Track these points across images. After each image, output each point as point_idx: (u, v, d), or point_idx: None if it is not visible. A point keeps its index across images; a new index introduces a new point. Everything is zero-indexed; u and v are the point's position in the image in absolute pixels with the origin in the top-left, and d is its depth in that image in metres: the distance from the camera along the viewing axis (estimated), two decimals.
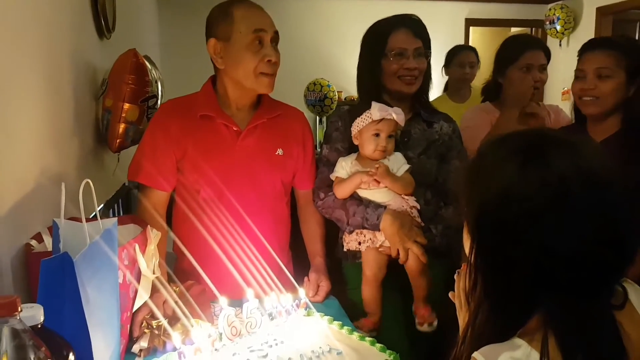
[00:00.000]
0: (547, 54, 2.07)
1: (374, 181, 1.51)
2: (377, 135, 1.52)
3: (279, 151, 1.57)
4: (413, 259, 1.50)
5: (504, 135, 0.77)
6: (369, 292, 1.54)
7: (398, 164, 1.55)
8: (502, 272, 0.71)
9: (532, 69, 2.01)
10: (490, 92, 2.18)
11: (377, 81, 1.63)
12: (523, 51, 2.02)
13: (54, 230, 1.00)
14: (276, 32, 1.48)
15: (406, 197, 1.55)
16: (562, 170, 0.67)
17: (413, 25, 1.62)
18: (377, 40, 1.62)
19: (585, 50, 1.66)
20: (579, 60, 1.67)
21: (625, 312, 0.72)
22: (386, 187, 1.52)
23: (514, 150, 0.72)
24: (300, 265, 1.70)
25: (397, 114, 1.51)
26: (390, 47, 1.59)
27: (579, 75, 1.64)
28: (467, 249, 0.78)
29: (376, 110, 1.51)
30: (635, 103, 1.57)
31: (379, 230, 1.50)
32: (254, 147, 1.53)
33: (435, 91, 2.16)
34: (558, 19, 5.55)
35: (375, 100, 1.56)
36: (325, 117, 5.06)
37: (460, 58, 3.39)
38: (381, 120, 1.50)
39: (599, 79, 1.58)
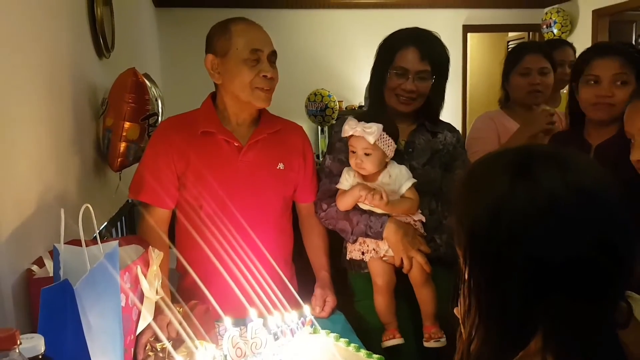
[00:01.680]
0: (549, 57, 2.09)
1: (371, 200, 1.49)
2: (354, 152, 1.51)
3: (280, 165, 1.57)
4: (417, 268, 1.49)
5: (492, 153, 0.77)
6: (382, 301, 1.52)
7: (402, 179, 1.53)
8: (496, 293, 0.69)
9: (532, 72, 2.05)
10: (502, 101, 2.22)
11: (380, 94, 1.63)
12: (522, 56, 2.07)
13: (54, 255, 0.99)
14: (274, 52, 1.49)
15: None
16: (550, 186, 0.66)
17: (423, 46, 1.57)
18: (386, 54, 1.62)
19: (595, 55, 1.62)
20: (588, 66, 1.62)
21: (630, 330, 0.70)
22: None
23: (502, 168, 0.71)
24: (303, 278, 1.69)
25: (368, 132, 1.45)
26: (395, 64, 1.58)
27: (592, 80, 1.59)
28: (461, 271, 0.76)
29: (346, 126, 1.50)
30: None
31: (382, 238, 1.49)
32: (255, 162, 1.53)
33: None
34: (555, 22, 5.57)
35: (379, 113, 1.55)
36: (326, 127, 5.07)
37: (555, 56, 2.58)
38: (351, 136, 1.49)
39: (616, 86, 1.56)
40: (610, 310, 0.68)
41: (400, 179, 1.53)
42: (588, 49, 1.69)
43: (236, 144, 1.51)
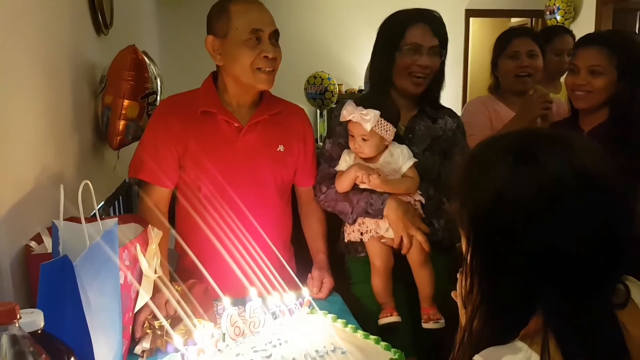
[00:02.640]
0: (537, 41, 2.11)
1: (367, 180, 1.48)
2: (352, 136, 1.51)
3: (280, 147, 1.56)
4: (416, 248, 1.49)
5: (495, 136, 0.77)
6: (380, 282, 1.53)
7: (403, 159, 1.53)
8: (499, 274, 0.70)
9: (520, 55, 2.07)
10: (492, 88, 2.24)
11: (387, 74, 1.60)
12: (510, 40, 2.10)
13: (53, 232, 0.99)
14: (275, 31, 1.46)
15: None
16: (555, 169, 0.67)
17: (432, 22, 1.59)
18: (394, 32, 1.59)
19: (579, 45, 1.73)
20: (573, 55, 1.74)
21: (627, 311, 0.71)
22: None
23: (505, 151, 0.72)
24: (302, 261, 1.70)
25: (365, 119, 1.44)
26: (406, 41, 1.57)
27: (573, 69, 1.70)
28: (464, 252, 0.77)
29: (344, 110, 1.49)
30: (622, 99, 1.63)
31: (382, 217, 1.49)
32: (255, 144, 1.52)
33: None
34: (558, 9, 5.52)
35: (383, 95, 1.54)
36: (325, 110, 5.04)
37: (555, 44, 2.50)
38: (349, 121, 1.49)
39: (591, 75, 1.64)
40: (609, 292, 0.69)
41: (401, 158, 1.53)
42: (579, 39, 1.78)
43: (236, 125, 1.50)
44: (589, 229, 0.65)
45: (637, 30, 5.49)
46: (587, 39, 1.72)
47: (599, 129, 1.66)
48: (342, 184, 1.54)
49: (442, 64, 1.64)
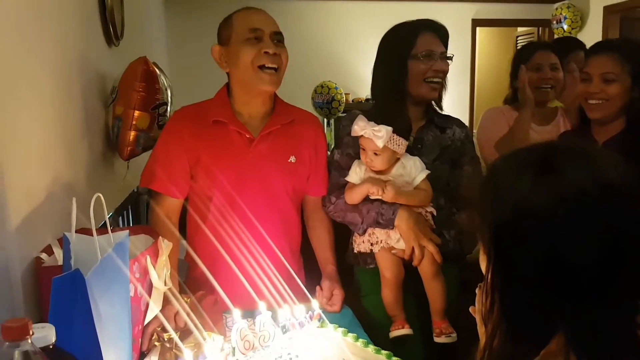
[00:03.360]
0: (559, 54, 2.12)
1: (382, 193, 1.48)
2: (364, 150, 1.50)
3: (292, 158, 1.55)
4: (428, 259, 1.48)
5: (515, 150, 0.76)
6: (390, 294, 1.51)
7: (415, 171, 1.52)
8: (520, 291, 0.69)
9: (543, 67, 2.07)
10: (509, 99, 2.23)
11: (398, 83, 1.61)
12: (533, 52, 2.11)
13: (64, 245, 0.99)
14: (277, 32, 1.47)
15: None
16: (578, 182, 0.66)
17: (439, 31, 1.63)
18: (404, 41, 1.60)
19: (590, 53, 1.69)
20: (585, 63, 1.70)
21: None
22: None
23: (527, 164, 0.70)
24: (310, 272, 1.68)
25: (377, 136, 1.44)
26: (419, 48, 1.58)
27: (585, 78, 1.66)
28: (483, 268, 0.75)
29: (355, 126, 1.49)
30: (637, 105, 1.59)
31: (393, 227, 1.48)
32: (266, 155, 1.51)
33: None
34: (565, 18, 5.51)
35: (393, 103, 1.53)
36: (333, 119, 5.05)
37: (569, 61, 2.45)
38: (361, 135, 1.48)
39: (605, 83, 1.60)
40: (634, 310, 0.67)
41: (414, 170, 1.52)
42: (590, 47, 1.75)
43: (247, 136, 1.50)
44: (613, 243, 0.64)
45: None
46: (598, 47, 1.69)
47: (615, 139, 1.62)
48: (353, 198, 1.53)
49: None
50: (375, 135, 1.44)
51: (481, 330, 0.80)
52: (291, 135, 1.56)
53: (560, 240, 0.65)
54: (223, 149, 1.49)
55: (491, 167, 0.78)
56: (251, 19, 1.45)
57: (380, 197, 1.49)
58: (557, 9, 5.63)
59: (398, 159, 1.52)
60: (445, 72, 1.62)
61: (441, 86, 1.64)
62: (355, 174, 1.55)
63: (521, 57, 2.13)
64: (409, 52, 1.58)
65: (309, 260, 1.70)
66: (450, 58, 1.63)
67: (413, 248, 1.48)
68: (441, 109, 1.72)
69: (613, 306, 0.65)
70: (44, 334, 0.71)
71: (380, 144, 1.44)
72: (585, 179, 0.65)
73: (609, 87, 1.59)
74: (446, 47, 1.64)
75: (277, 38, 1.47)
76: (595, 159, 0.68)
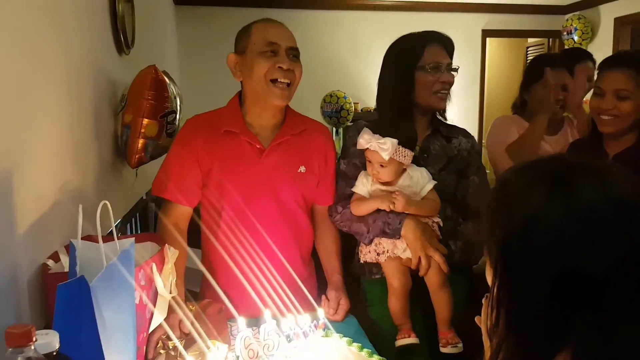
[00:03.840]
0: (570, 71, 2.12)
1: (393, 207, 1.48)
2: (370, 162, 1.50)
3: (302, 169, 1.56)
4: (434, 269, 1.47)
5: (526, 163, 0.75)
6: (397, 303, 1.50)
7: (423, 181, 1.52)
8: (527, 305, 0.68)
9: (555, 87, 2.03)
10: (517, 107, 2.24)
11: (405, 94, 1.61)
12: (545, 69, 2.06)
13: (70, 251, 0.99)
14: (293, 47, 1.48)
15: None
16: (589, 198, 0.65)
17: (445, 43, 1.64)
18: (412, 52, 1.61)
19: (604, 67, 1.66)
20: (598, 77, 1.67)
21: None
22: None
23: (538, 179, 0.70)
24: (317, 280, 1.68)
25: (382, 148, 1.44)
26: (427, 60, 1.59)
27: (598, 92, 1.63)
28: (489, 280, 0.75)
29: (360, 139, 1.49)
30: None
31: (400, 237, 1.48)
32: (276, 165, 1.52)
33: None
34: (575, 29, 5.49)
35: (399, 115, 1.53)
36: (341, 128, 5.06)
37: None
38: (367, 148, 1.49)
39: (618, 100, 1.58)
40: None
41: (421, 181, 1.52)
42: (603, 60, 1.71)
43: (258, 146, 1.51)
44: (624, 258, 0.64)
45: None
46: (613, 61, 1.67)
47: (627, 152, 1.60)
48: (361, 211, 1.54)
49: None
50: (380, 148, 1.44)
51: (487, 343, 0.79)
52: (301, 146, 1.56)
53: (571, 258, 0.64)
54: (234, 158, 1.49)
55: (502, 179, 0.77)
56: (269, 32, 1.46)
57: (392, 207, 1.49)
58: (567, 20, 5.61)
59: (404, 170, 1.52)
60: (451, 84, 1.63)
61: (448, 95, 1.64)
62: (362, 185, 1.55)
63: (533, 72, 2.11)
64: (416, 64, 1.59)
65: (318, 267, 1.69)
66: (456, 70, 1.64)
67: (420, 258, 1.47)
68: (445, 119, 1.72)
69: (624, 321, 0.64)
70: (48, 341, 0.71)
71: (386, 156, 1.44)
72: (598, 196, 0.65)
73: (622, 104, 1.57)
74: (452, 58, 1.64)
75: (293, 53, 1.48)
76: (608, 176, 0.68)
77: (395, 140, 1.44)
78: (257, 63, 1.43)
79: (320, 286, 1.63)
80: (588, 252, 0.63)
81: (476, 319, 0.82)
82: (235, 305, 1.31)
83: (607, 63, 1.67)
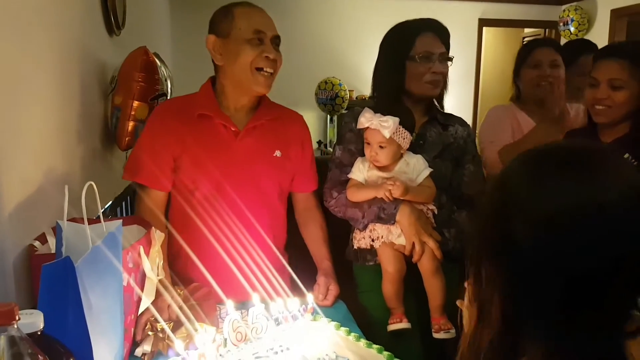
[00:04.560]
0: (559, 51, 2.12)
1: (391, 196, 1.48)
2: (369, 143, 1.50)
3: (277, 153, 1.55)
4: (428, 255, 1.48)
5: (530, 152, 0.74)
6: (391, 288, 1.51)
7: (419, 168, 1.52)
8: (529, 295, 0.67)
9: (542, 65, 2.07)
10: (514, 98, 2.24)
11: (398, 82, 1.61)
12: (532, 49, 2.11)
13: (57, 232, 0.99)
14: (277, 36, 1.48)
15: None
16: (599, 188, 0.64)
17: (439, 31, 1.62)
18: (403, 41, 1.60)
19: (599, 57, 1.66)
20: (593, 67, 1.66)
21: (637, 341, 0.68)
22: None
23: (549, 168, 0.68)
24: (300, 269, 1.67)
25: (384, 126, 1.45)
26: (418, 49, 1.58)
27: (593, 83, 1.64)
28: (473, 263, 0.74)
29: (361, 117, 1.49)
30: None
31: (394, 222, 1.48)
32: (251, 148, 1.51)
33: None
34: (572, 20, 5.49)
35: (394, 102, 1.53)
36: (336, 115, 5.04)
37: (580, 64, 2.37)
38: (367, 128, 1.49)
39: (612, 89, 1.58)
40: (623, 319, 0.66)
41: (417, 167, 1.52)
42: (598, 50, 1.73)
43: (233, 129, 1.50)
44: (618, 254, 0.63)
45: None
46: (607, 51, 1.67)
47: (620, 141, 1.60)
48: (358, 197, 1.54)
49: None
50: (382, 125, 1.45)
51: (466, 319, 0.79)
52: (277, 131, 1.56)
53: (571, 251, 0.63)
54: (208, 141, 1.48)
55: (507, 170, 0.75)
56: (255, 19, 1.44)
57: (389, 196, 1.49)
58: (564, 10, 5.61)
59: (401, 156, 1.52)
60: (444, 74, 1.61)
61: (442, 84, 1.63)
62: (359, 171, 1.55)
63: (522, 55, 2.13)
64: (408, 53, 1.58)
65: (296, 257, 1.69)
66: (451, 59, 1.62)
67: (414, 244, 1.48)
68: (442, 107, 1.72)
69: (605, 314, 0.64)
70: (32, 320, 0.70)
71: (387, 133, 1.44)
72: (608, 187, 0.64)
73: (616, 94, 1.57)
74: (447, 47, 1.62)
75: (276, 42, 1.48)
76: (619, 167, 0.67)
77: (397, 119, 1.45)
78: (244, 51, 1.42)
79: (308, 274, 1.63)
80: (590, 246, 0.63)
81: (458, 302, 0.83)
82: (220, 289, 1.30)
83: (602, 53, 1.67)
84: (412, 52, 1.58)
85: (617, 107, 1.58)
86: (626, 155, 1.47)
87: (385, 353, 1.14)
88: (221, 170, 1.48)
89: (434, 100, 1.68)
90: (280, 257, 1.51)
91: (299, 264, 1.65)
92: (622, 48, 1.69)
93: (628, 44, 1.79)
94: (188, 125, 1.47)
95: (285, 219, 1.65)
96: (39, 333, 0.72)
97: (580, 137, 1.72)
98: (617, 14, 5.16)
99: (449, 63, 1.62)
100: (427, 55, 1.57)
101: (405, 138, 1.48)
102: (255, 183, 1.52)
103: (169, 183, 1.51)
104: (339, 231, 1.67)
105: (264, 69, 1.44)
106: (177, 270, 1.53)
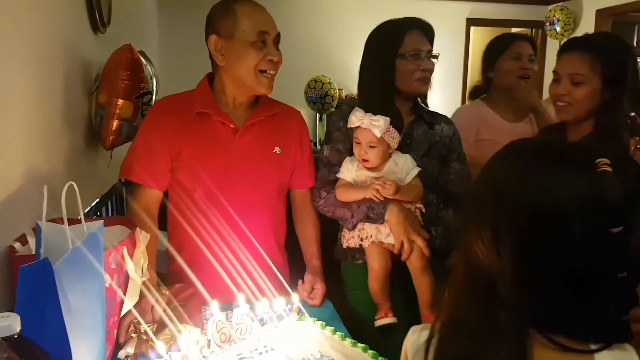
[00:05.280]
0: (534, 48, 2.12)
1: (380, 196, 1.48)
2: (359, 143, 1.50)
3: (277, 149, 1.55)
4: (417, 254, 1.49)
5: (531, 142, 0.78)
6: (377, 285, 1.51)
7: (407, 168, 1.53)
8: (534, 275, 0.71)
9: (522, 57, 2.06)
10: (478, 91, 2.23)
11: (387, 80, 1.60)
12: (511, 42, 2.09)
13: (36, 233, 0.97)
14: (278, 34, 1.46)
15: None
16: (604, 182, 0.71)
17: (425, 29, 1.64)
18: (392, 40, 1.60)
19: (563, 50, 1.55)
20: (556, 60, 1.57)
21: None
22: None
23: (567, 162, 0.73)
24: (295, 267, 1.68)
25: (375, 125, 1.45)
26: (407, 47, 1.59)
27: (555, 77, 1.54)
28: (484, 245, 0.76)
29: (352, 116, 1.49)
30: (607, 110, 1.46)
31: (383, 222, 1.49)
32: (251, 145, 1.50)
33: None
34: (558, 20, 5.53)
35: (384, 100, 1.53)
36: (325, 114, 5.03)
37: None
38: (357, 127, 1.49)
39: (573, 85, 1.48)
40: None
41: (406, 167, 1.53)
42: (562, 44, 1.61)
43: (232, 126, 1.49)
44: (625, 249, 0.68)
45: (634, 43, 5.51)
46: (569, 44, 1.56)
47: (585, 140, 1.50)
48: (348, 197, 1.54)
49: None
50: (373, 124, 1.45)
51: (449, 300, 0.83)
52: (275, 127, 1.55)
53: (574, 236, 0.69)
54: (207, 139, 1.47)
55: (495, 159, 0.78)
56: (259, 19, 1.42)
57: (378, 197, 1.49)
58: (550, 10, 5.65)
59: (390, 156, 1.53)
60: (432, 71, 1.63)
61: (429, 81, 1.64)
62: (348, 171, 1.55)
63: (499, 46, 2.10)
64: (397, 52, 1.58)
65: (294, 255, 1.69)
66: (436, 57, 1.63)
67: (402, 243, 1.48)
68: (427, 105, 1.72)
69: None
70: (8, 324, 0.69)
71: (378, 133, 1.45)
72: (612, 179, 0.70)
73: (576, 90, 1.48)
74: (432, 45, 1.64)
75: (277, 41, 1.47)
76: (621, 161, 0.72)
77: (387, 118, 1.46)
78: (249, 54, 1.40)
79: (297, 272, 1.63)
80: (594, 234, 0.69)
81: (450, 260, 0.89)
82: (209, 289, 1.29)
83: (565, 46, 1.56)
84: (401, 50, 1.58)
85: (577, 103, 1.48)
86: (632, 114, 1.40)
87: (370, 352, 1.14)
88: (220, 168, 1.47)
89: (419, 98, 1.69)
90: (269, 259, 1.49)
91: (296, 262, 1.65)
92: (585, 40, 1.58)
93: (593, 36, 1.68)
94: (185, 124, 1.46)
95: (285, 216, 1.65)
96: (15, 336, 0.70)
97: (551, 134, 1.66)
98: (602, 14, 5.21)
99: (435, 60, 1.63)
100: (416, 52, 1.58)
101: (394, 138, 1.49)
102: (255, 179, 1.51)
103: (165, 182, 1.49)
104: (327, 230, 1.67)
105: (268, 71, 1.43)
106: (177, 269, 1.51)
